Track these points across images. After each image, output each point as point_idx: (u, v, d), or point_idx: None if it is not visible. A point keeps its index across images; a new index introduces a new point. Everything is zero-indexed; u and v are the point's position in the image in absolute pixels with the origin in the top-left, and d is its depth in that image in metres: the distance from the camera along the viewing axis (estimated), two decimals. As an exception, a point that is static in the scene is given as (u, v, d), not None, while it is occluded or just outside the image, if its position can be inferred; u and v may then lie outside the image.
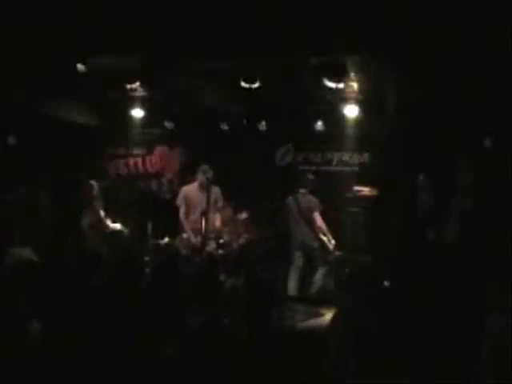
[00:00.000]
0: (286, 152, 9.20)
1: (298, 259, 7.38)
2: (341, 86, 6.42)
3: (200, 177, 7.25)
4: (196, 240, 7.07)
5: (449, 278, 6.16)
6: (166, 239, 8.07)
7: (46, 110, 8.28)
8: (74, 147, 8.88)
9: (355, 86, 7.10)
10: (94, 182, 7.65)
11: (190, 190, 7.36)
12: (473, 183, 7.55)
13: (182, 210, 7.28)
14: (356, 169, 8.83)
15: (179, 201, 7.35)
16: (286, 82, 7.09)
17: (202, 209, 7.07)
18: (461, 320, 3.92)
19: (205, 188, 7.16)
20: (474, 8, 4.92)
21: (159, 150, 9.82)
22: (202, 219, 6.99)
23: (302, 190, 7.44)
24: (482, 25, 5.02)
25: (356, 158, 8.88)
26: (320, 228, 7.31)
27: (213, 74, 6.95)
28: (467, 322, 3.82)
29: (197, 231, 7.10)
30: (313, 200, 7.38)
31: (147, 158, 9.88)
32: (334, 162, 9.00)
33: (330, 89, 6.38)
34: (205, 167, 7.25)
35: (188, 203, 7.27)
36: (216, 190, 7.29)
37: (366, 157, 8.84)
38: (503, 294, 3.61)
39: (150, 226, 8.15)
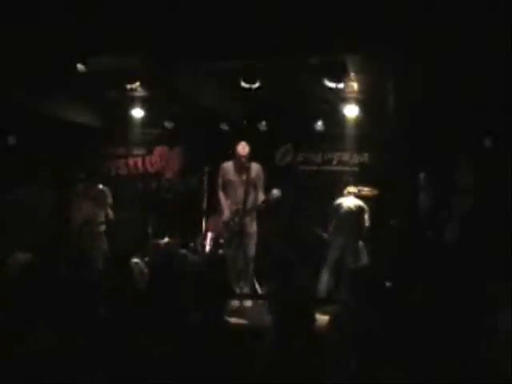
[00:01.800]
0: (285, 152, 9.19)
1: (333, 260, 7.35)
2: (341, 85, 6.42)
3: (237, 153, 6.62)
4: (233, 220, 6.56)
5: (449, 278, 6.16)
6: (166, 239, 8.10)
7: (46, 110, 8.27)
8: (74, 147, 8.89)
9: (355, 85, 7.10)
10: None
11: (228, 167, 6.74)
12: (473, 183, 7.55)
13: (220, 186, 6.72)
14: (356, 169, 8.84)
15: (219, 178, 6.76)
16: (286, 81, 7.09)
17: (238, 188, 6.60)
18: (460, 320, 3.93)
19: (242, 165, 6.61)
20: (474, 8, 4.92)
21: (159, 149, 9.82)
22: (241, 198, 6.52)
23: (348, 194, 7.46)
24: (482, 25, 5.02)
25: (356, 158, 8.89)
26: (366, 231, 7.40)
27: (213, 74, 6.95)
28: (467, 321, 3.82)
29: (234, 212, 6.61)
30: (360, 203, 7.43)
31: (147, 158, 9.87)
32: (334, 162, 9.01)
33: (330, 89, 6.38)
34: (242, 143, 6.63)
35: (226, 181, 6.70)
36: (256, 167, 6.70)
37: (365, 157, 8.84)
38: (503, 293, 3.62)
39: (150, 226, 8.19)
